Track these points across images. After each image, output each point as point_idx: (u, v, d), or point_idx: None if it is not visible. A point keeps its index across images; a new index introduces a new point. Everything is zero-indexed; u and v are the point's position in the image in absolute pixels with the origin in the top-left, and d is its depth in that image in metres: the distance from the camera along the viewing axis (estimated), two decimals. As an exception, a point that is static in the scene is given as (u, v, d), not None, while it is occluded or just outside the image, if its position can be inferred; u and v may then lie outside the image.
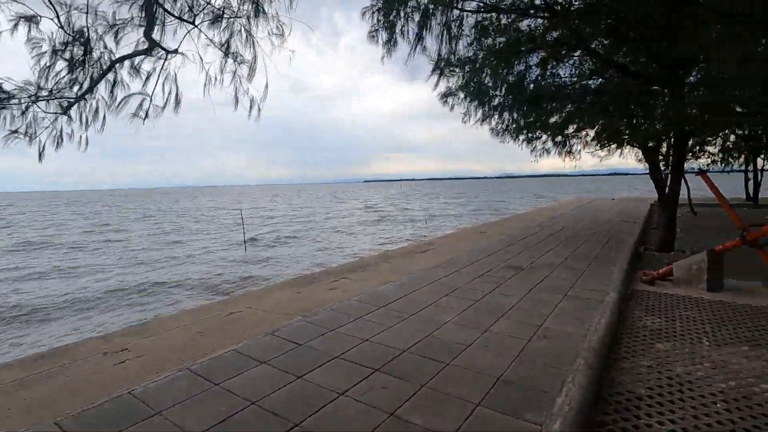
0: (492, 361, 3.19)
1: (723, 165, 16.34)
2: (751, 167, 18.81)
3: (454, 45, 8.55)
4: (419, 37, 7.92)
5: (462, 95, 10.70)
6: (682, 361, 3.40)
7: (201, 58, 4.96)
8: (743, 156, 16.90)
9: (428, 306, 4.68)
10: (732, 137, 14.62)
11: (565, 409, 2.49)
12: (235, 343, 3.62)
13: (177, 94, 4.97)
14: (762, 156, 17.20)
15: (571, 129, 10.68)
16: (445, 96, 10.91)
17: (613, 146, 13.09)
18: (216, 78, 5.08)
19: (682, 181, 14.83)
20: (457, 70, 10.46)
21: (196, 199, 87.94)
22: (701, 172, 5.60)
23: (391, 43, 7.98)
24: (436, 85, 10.13)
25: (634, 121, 8.68)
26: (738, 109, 7.04)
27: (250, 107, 5.37)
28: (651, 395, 2.88)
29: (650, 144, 10.05)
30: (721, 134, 14.04)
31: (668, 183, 9.54)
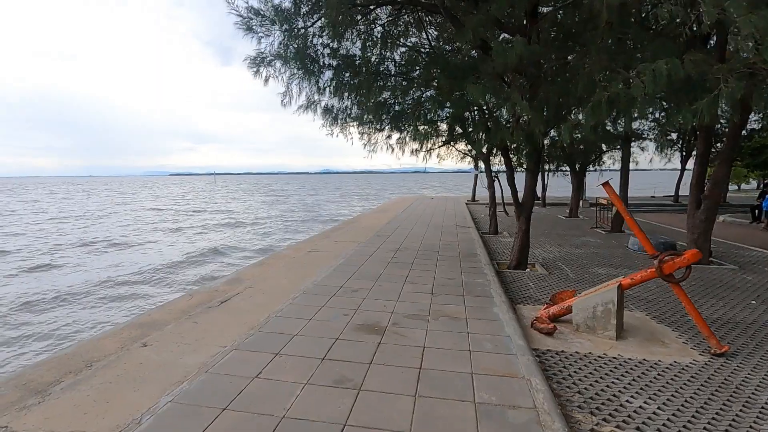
0: None
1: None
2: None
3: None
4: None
5: (279, 64, 7.82)
6: None
7: None
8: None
9: None
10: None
11: None
12: None
13: None
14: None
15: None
16: (257, 63, 7.83)
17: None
18: None
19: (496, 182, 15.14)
20: (275, 27, 7.57)
21: None
22: (604, 184, 4.21)
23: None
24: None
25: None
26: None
27: None
28: None
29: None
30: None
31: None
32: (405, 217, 14.31)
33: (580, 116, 4.44)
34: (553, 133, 8.97)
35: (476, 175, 22.51)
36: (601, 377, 3.38)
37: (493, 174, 15.88)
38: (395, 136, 11.38)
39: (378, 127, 8.94)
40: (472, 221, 13.58)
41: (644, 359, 3.72)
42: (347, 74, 7.13)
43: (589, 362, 3.66)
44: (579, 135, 6.52)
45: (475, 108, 7.43)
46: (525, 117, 4.27)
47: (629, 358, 3.73)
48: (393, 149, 10.08)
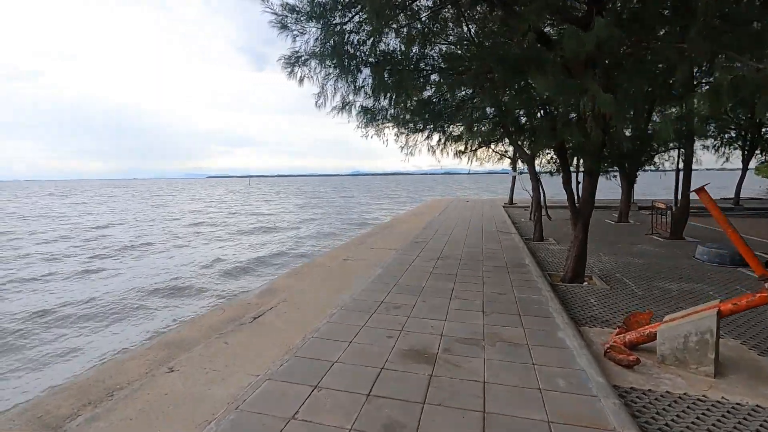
0: None
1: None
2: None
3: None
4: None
5: (314, 63, 7.51)
6: None
7: None
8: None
9: None
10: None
11: None
12: None
13: None
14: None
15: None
16: (291, 63, 7.54)
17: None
18: None
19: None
20: (310, 23, 7.28)
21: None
22: (699, 189, 3.52)
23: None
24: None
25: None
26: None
27: None
28: None
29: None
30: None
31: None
32: (442, 221, 13.72)
33: (673, 109, 3.77)
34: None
35: (514, 177, 21.56)
36: (707, 430, 2.74)
37: (536, 175, 15.06)
38: (435, 136, 10.90)
39: (418, 127, 8.44)
40: (513, 226, 12.82)
41: (757, 405, 3.03)
42: (386, 71, 6.68)
43: (687, 407, 3.02)
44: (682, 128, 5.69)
45: (540, 104, 6.82)
46: (602, 111, 3.66)
47: (738, 404, 3.05)
48: (434, 150, 9.56)
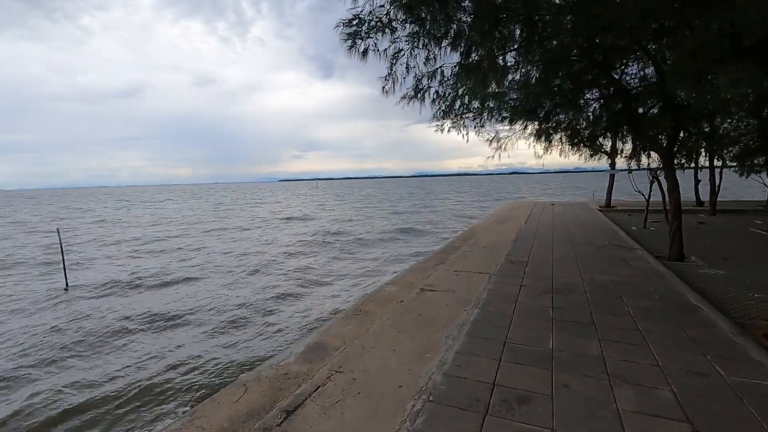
0: None
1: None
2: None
3: None
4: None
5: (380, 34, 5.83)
6: None
7: None
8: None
9: None
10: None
11: None
12: None
13: None
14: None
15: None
16: (353, 33, 5.88)
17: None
18: None
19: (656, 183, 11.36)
20: None
21: (40, 206, 60.16)
22: None
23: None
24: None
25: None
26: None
27: None
28: None
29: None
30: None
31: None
32: (533, 230, 11.28)
33: None
34: None
35: (612, 176, 18.17)
36: None
37: (653, 171, 12.03)
38: (529, 127, 8.66)
39: (527, 108, 6.34)
40: (627, 237, 10.07)
41: None
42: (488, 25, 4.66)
43: None
44: None
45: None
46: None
47: None
48: (542, 144, 7.37)
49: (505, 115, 7.53)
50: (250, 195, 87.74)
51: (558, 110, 6.55)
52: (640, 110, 7.28)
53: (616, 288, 5.64)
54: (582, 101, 6.52)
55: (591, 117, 8.19)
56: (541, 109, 6.37)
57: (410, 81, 7.63)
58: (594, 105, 8.00)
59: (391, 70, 7.13)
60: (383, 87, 7.38)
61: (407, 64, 6.99)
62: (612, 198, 19.01)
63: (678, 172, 12.72)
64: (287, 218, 30.33)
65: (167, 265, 13.75)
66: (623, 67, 7.05)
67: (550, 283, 5.87)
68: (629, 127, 7.62)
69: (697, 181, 17.03)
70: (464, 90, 7.47)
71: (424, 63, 7.14)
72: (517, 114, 6.62)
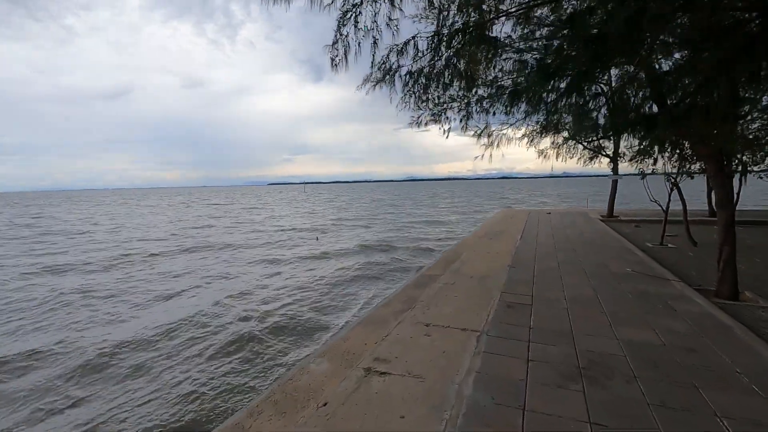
0: None
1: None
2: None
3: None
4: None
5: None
6: None
7: None
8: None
9: None
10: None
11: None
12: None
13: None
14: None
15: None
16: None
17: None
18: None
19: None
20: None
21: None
22: None
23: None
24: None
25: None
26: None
27: None
28: None
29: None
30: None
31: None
32: (531, 249, 9.22)
33: None
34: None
35: (615, 182, 16.22)
36: None
37: (672, 178, 10.10)
38: (523, 128, 6.66)
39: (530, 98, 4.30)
40: (649, 259, 8.08)
41: None
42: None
43: None
44: None
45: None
46: None
47: None
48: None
49: (502, 101, 5.53)
50: (222, 204, 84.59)
51: (581, 86, 4.51)
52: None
53: (674, 362, 3.58)
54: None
55: (611, 104, 6.24)
56: (556, 84, 4.32)
57: (370, 54, 5.57)
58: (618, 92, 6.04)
59: (339, 32, 5.05)
60: (332, 60, 5.31)
61: (361, 23, 4.93)
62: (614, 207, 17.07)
63: (684, 178, 10.92)
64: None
65: None
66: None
67: (573, 353, 3.77)
68: (665, 122, 5.57)
69: (710, 189, 15.21)
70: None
71: (386, 23, 5.10)
72: (526, 90, 4.53)
